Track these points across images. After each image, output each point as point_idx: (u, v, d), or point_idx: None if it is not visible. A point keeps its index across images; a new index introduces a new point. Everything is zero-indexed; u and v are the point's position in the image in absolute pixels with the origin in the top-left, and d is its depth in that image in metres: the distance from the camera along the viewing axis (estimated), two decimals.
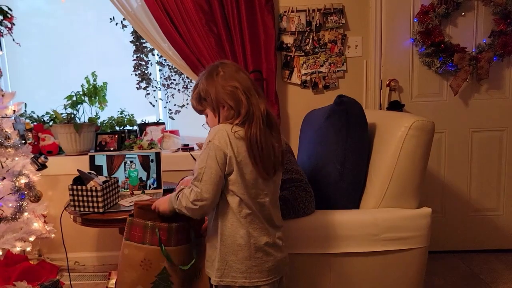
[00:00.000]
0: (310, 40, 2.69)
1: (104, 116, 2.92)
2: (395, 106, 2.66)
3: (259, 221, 1.25)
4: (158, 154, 2.27)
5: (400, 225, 1.59)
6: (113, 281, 2.33)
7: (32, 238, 2.40)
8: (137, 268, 1.49)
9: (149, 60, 2.91)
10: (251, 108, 1.22)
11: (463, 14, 2.62)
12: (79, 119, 2.74)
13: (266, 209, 1.27)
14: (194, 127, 2.94)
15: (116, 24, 2.84)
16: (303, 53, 2.71)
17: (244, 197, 1.22)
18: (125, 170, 2.36)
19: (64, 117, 2.70)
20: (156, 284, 1.49)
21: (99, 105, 2.83)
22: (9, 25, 2.80)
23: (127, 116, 2.93)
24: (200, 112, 1.37)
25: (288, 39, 2.71)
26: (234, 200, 1.22)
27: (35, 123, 2.88)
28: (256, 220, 1.24)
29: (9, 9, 2.78)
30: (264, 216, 1.27)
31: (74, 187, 1.96)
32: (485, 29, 2.62)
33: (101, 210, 1.94)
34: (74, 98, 2.72)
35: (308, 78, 2.73)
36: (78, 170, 2.01)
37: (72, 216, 2.05)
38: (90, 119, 2.79)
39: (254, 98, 1.24)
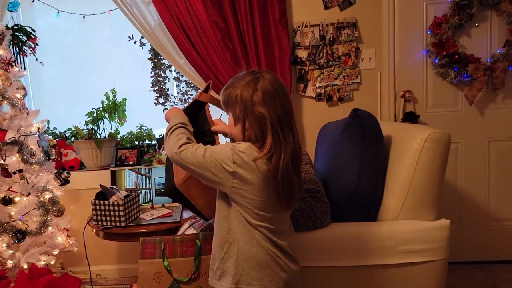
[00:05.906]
0: (324, 54, 2.72)
1: (123, 131, 3.00)
2: (410, 117, 2.67)
3: (272, 231, 1.25)
4: None
5: (418, 237, 1.60)
6: None
7: (55, 252, 2.46)
8: (151, 282, 1.59)
9: (167, 76, 2.98)
10: (277, 146, 1.18)
11: (476, 24, 2.62)
12: (100, 135, 2.82)
13: (277, 223, 1.27)
14: None
15: (135, 42, 2.92)
16: (317, 67, 2.74)
17: (256, 214, 1.22)
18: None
19: (85, 133, 2.78)
20: None
21: (118, 121, 2.91)
22: (33, 45, 2.91)
23: (145, 131, 3.00)
24: (224, 109, 1.33)
25: (302, 53, 2.75)
26: (246, 214, 1.22)
27: (57, 139, 2.96)
28: (269, 230, 1.24)
29: (33, 30, 2.90)
30: (277, 228, 1.27)
31: (97, 201, 2.02)
32: (499, 39, 2.62)
33: (122, 224, 1.99)
34: (95, 115, 2.80)
35: (322, 91, 2.76)
36: (101, 185, 2.07)
37: (94, 230, 2.11)
38: (110, 134, 2.87)
39: (284, 133, 1.19)
